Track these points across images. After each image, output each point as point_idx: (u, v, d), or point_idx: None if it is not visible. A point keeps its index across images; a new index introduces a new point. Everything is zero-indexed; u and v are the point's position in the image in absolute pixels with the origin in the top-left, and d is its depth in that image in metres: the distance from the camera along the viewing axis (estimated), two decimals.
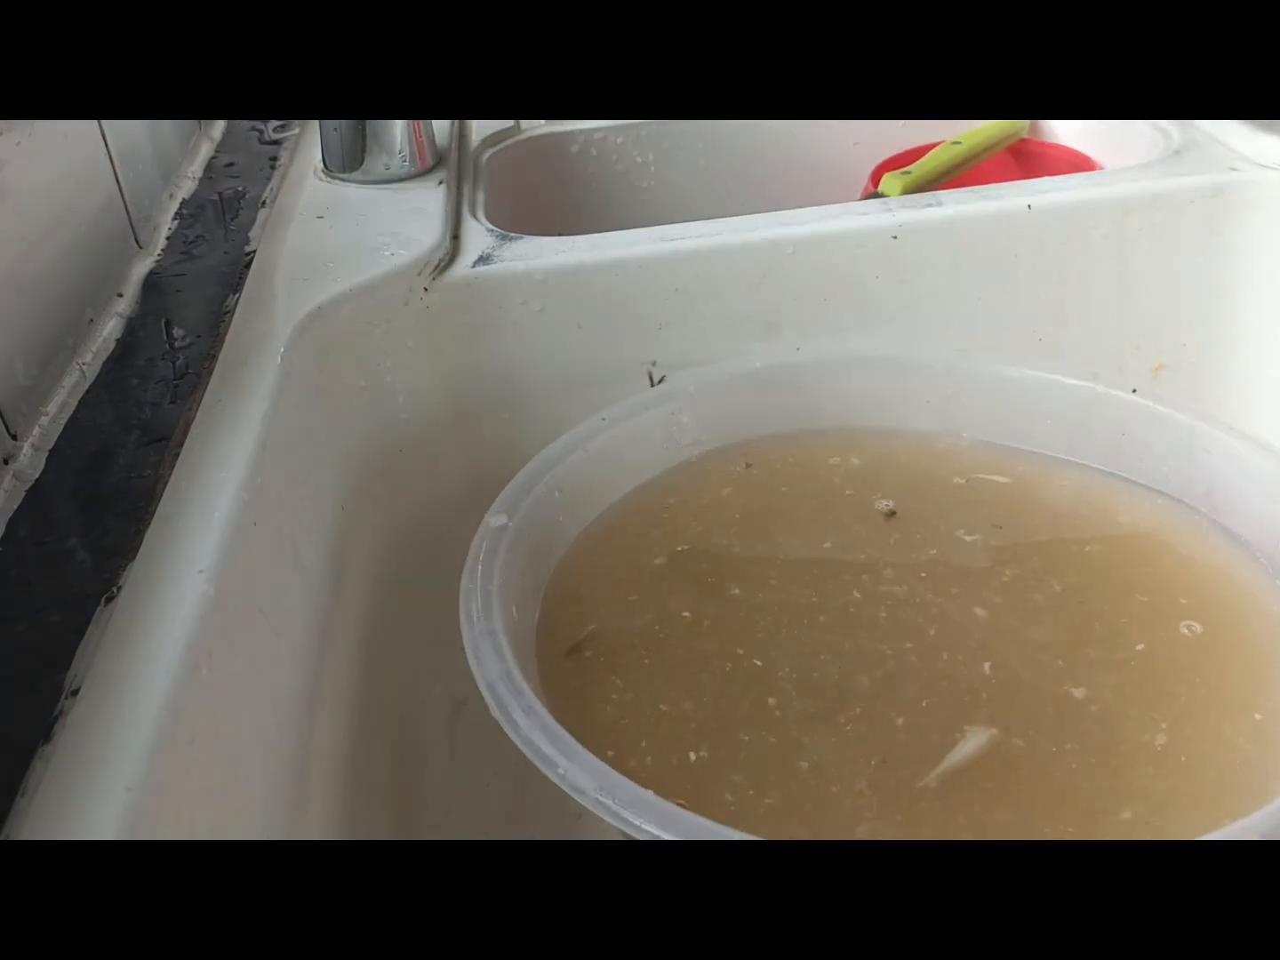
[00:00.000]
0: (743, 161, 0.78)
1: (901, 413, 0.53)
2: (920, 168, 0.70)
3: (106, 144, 0.52)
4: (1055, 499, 0.49)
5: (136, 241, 0.53)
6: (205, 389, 0.43)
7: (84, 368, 0.44)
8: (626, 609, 0.45)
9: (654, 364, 0.57)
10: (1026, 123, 0.77)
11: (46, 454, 0.39)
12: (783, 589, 0.45)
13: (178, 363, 0.45)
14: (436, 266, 0.53)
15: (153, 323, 0.48)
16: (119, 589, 0.33)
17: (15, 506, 0.37)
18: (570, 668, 0.42)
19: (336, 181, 0.60)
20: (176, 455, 0.39)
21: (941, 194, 0.57)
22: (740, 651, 0.42)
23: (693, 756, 0.38)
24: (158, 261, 0.53)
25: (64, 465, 0.39)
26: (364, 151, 0.59)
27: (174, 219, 0.58)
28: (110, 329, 0.47)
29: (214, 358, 0.45)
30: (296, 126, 0.69)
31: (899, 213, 0.55)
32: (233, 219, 0.57)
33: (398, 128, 0.59)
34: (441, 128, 0.66)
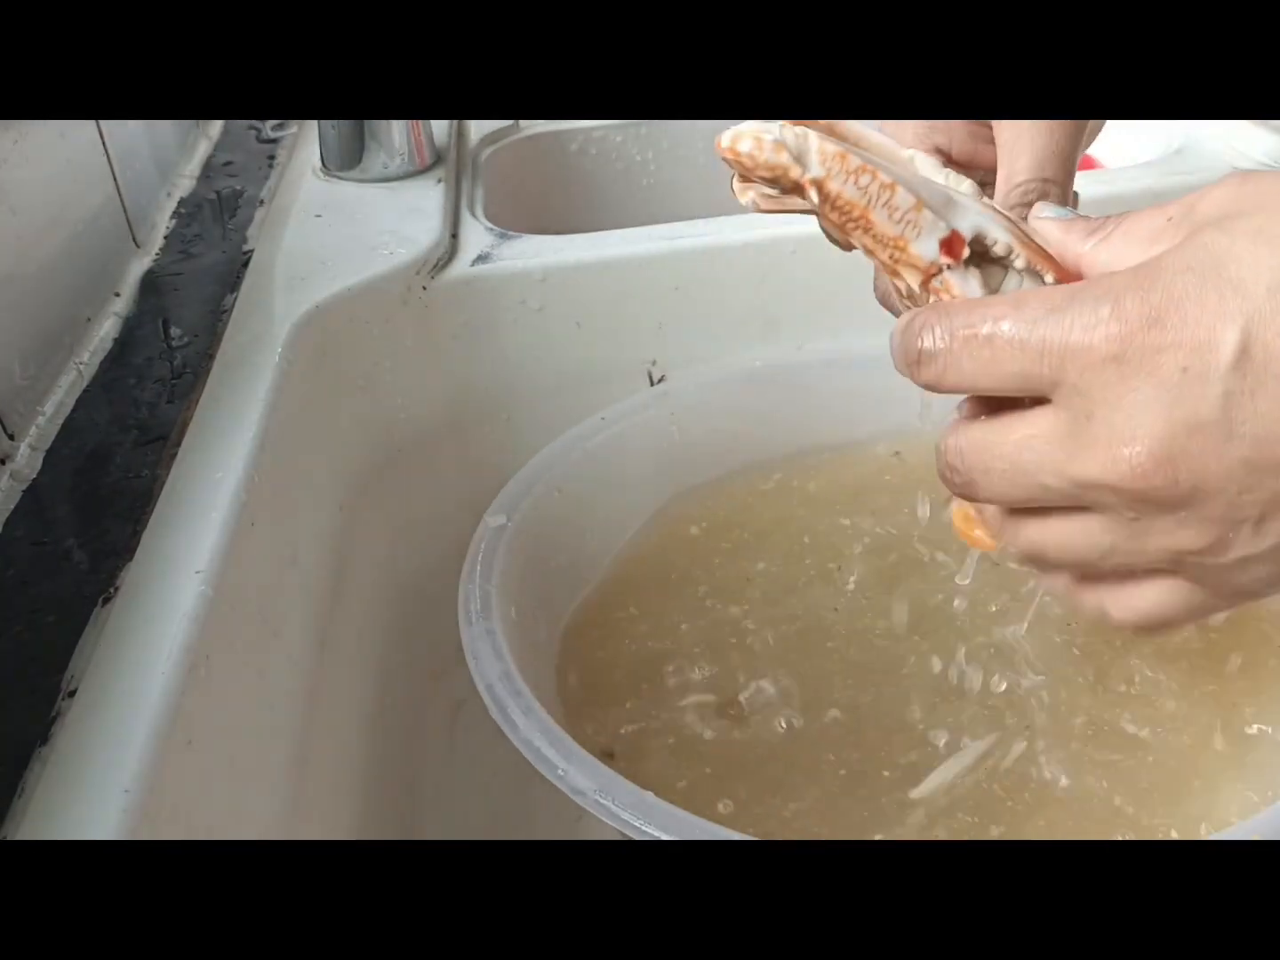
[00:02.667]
0: None
1: (902, 412, 0.53)
2: None
3: (104, 143, 0.52)
4: None
5: (134, 240, 0.53)
6: (203, 389, 0.42)
7: (81, 367, 0.44)
8: None
9: (654, 364, 0.57)
10: None
11: (44, 454, 0.39)
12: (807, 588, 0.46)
13: (175, 362, 0.45)
14: (435, 265, 0.53)
15: (150, 322, 0.48)
16: (116, 589, 0.33)
17: (12, 507, 0.37)
18: None
19: (335, 180, 0.60)
20: (174, 455, 0.39)
21: None
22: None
23: None
24: (155, 261, 0.53)
25: (61, 465, 0.39)
26: (363, 150, 0.59)
27: (172, 218, 0.57)
28: (108, 328, 0.47)
29: (211, 357, 0.44)
30: (294, 125, 0.69)
31: None
32: (230, 218, 0.57)
33: (396, 127, 0.59)
34: (440, 126, 0.66)
